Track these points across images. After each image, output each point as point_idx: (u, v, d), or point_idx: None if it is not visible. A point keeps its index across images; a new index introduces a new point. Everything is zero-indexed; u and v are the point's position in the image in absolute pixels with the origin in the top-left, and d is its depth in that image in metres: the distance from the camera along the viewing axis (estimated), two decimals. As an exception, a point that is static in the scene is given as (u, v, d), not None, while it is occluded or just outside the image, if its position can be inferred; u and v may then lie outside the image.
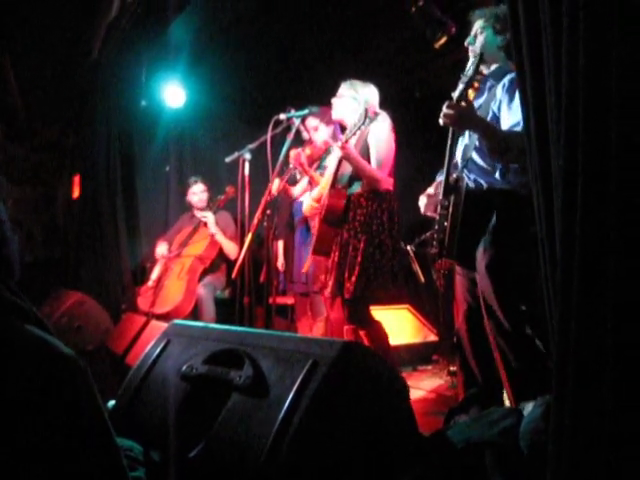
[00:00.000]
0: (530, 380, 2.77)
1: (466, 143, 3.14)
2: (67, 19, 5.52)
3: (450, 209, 2.96)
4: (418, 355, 5.84)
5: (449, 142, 3.07)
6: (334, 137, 4.93)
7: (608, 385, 1.46)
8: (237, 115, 7.44)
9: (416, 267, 5.93)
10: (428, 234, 3.20)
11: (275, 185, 4.78)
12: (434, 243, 3.07)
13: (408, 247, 5.65)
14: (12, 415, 1.23)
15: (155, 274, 5.86)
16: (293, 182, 5.27)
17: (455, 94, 2.98)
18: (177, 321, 2.77)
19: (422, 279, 5.90)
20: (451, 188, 3.00)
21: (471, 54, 3.18)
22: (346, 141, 4.00)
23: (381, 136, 4.05)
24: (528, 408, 2.16)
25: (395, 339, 5.54)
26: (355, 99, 4.15)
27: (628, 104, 1.50)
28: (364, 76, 4.25)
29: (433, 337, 6.02)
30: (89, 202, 6.41)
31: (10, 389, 1.24)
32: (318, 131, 4.94)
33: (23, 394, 1.24)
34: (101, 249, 6.37)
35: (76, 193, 6.50)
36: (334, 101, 4.24)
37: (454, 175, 3.04)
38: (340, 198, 4.05)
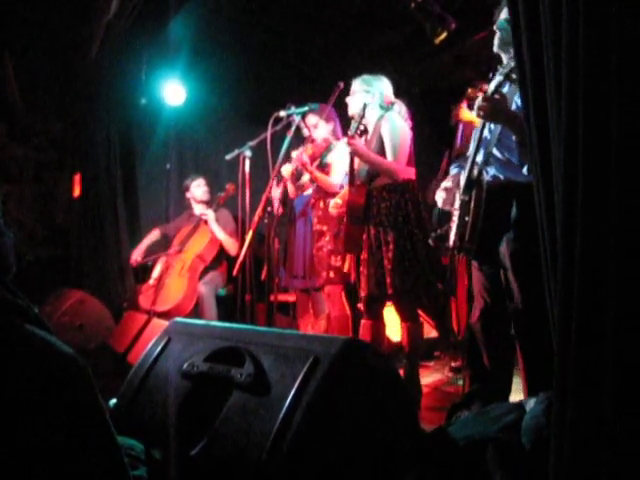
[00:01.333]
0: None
1: (487, 137, 3.11)
2: (66, 18, 5.52)
3: (471, 204, 2.95)
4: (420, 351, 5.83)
5: (477, 136, 3.07)
6: (334, 134, 4.93)
7: (609, 381, 1.45)
8: (237, 112, 7.43)
9: None
10: (445, 228, 3.18)
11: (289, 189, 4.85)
12: (452, 237, 3.06)
13: None
14: (12, 415, 1.22)
15: (156, 272, 5.86)
16: (297, 179, 5.27)
17: (491, 87, 2.96)
18: (178, 319, 2.76)
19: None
20: (472, 183, 2.99)
21: (497, 39, 3.13)
22: (352, 136, 3.99)
23: (394, 126, 4.04)
24: (530, 404, 2.16)
25: (397, 335, 5.54)
26: (369, 92, 4.14)
27: (628, 99, 1.49)
28: (363, 72, 4.23)
29: (434, 333, 6.01)
30: (90, 201, 6.40)
31: (10, 389, 1.23)
32: (318, 128, 4.94)
33: (23, 394, 1.24)
34: (102, 247, 6.37)
35: (77, 192, 6.49)
36: (348, 100, 4.24)
37: (476, 169, 3.03)
38: (359, 194, 4.04)
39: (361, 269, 4.03)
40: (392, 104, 4.12)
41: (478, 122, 4.31)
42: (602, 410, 1.46)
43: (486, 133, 3.10)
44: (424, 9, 4.92)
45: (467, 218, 2.95)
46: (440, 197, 3.32)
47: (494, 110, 2.89)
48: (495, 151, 3.05)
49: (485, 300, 3.23)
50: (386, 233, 3.90)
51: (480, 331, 3.24)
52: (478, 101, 2.93)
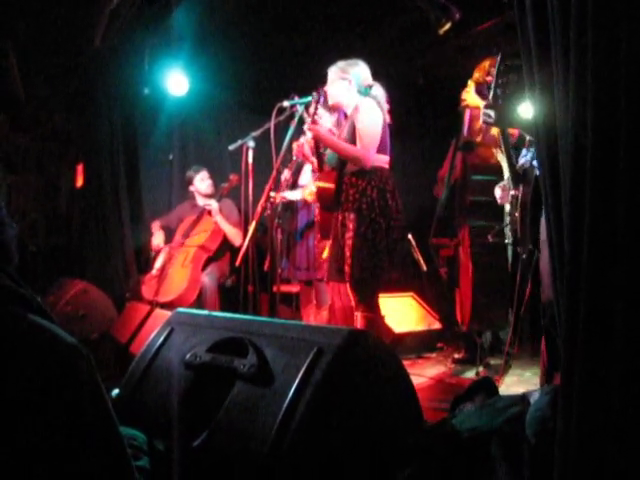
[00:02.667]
0: None
1: None
2: (69, 8, 5.50)
3: (519, 200, 2.95)
4: (422, 342, 5.84)
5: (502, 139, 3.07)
6: (338, 124, 4.92)
7: (616, 375, 1.45)
8: (240, 103, 7.42)
9: (418, 255, 5.92)
10: (505, 224, 3.20)
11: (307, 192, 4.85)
12: (507, 233, 3.07)
13: (409, 236, 5.64)
14: (16, 404, 1.22)
15: (159, 263, 5.86)
16: (299, 170, 5.28)
17: (491, 93, 2.95)
18: (181, 309, 2.76)
19: (424, 267, 5.89)
20: (520, 179, 2.99)
21: None
22: (313, 121, 3.98)
23: (364, 113, 3.98)
24: (535, 396, 2.15)
25: (400, 326, 5.55)
26: (344, 79, 4.09)
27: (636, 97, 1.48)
28: (368, 62, 4.21)
29: (437, 325, 6.02)
30: (93, 191, 6.41)
31: (13, 378, 1.23)
32: (322, 119, 4.92)
33: (26, 383, 1.23)
34: (105, 238, 6.38)
35: (80, 182, 6.49)
36: (326, 89, 4.21)
37: (524, 166, 3.02)
38: (328, 180, 4.03)
39: (326, 255, 4.04)
40: (370, 87, 4.07)
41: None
42: (609, 403, 1.45)
43: None
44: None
45: (517, 214, 2.96)
46: (498, 194, 3.33)
47: (501, 116, 2.87)
48: None
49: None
50: (349, 220, 3.87)
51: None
52: (482, 109, 2.92)
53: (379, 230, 3.81)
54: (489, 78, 4.78)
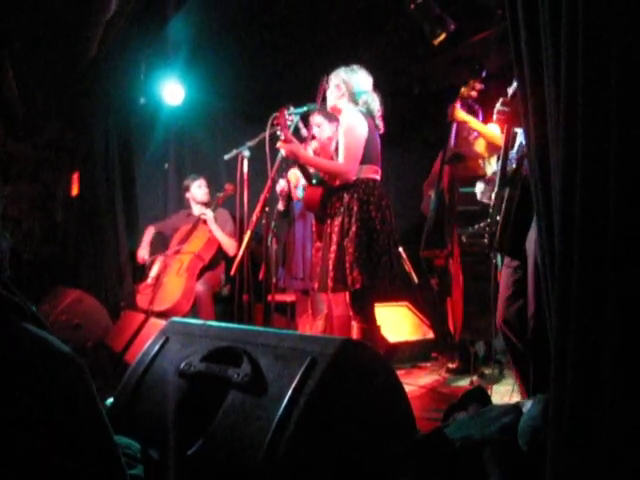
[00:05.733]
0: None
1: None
2: (65, 16, 5.52)
3: (504, 203, 2.94)
4: (417, 352, 5.85)
5: (504, 138, 3.06)
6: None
7: (608, 384, 1.46)
8: (236, 112, 7.44)
9: (409, 268, 5.93)
10: (482, 224, 3.18)
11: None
12: (486, 235, 3.05)
13: (400, 248, 5.64)
14: (9, 413, 1.23)
15: (154, 272, 5.86)
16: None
17: (510, 90, 2.95)
18: (175, 319, 2.77)
19: (415, 280, 5.90)
20: (507, 181, 2.98)
21: None
22: (285, 140, 4.00)
23: (344, 124, 3.96)
24: (527, 406, 2.16)
25: (394, 336, 5.56)
26: (337, 86, 4.08)
27: (628, 98, 1.50)
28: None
29: (432, 334, 6.03)
30: (88, 200, 6.42)
31: (7, 387, 1.23)
32: (322, 128, 4.93)
33: (20, 392, 1.24)
34: (100, 246, 6.38)
35: (75, 190, 6.50)
36: (327, 94, 4.21)
37: (510, 168, 3.02)
38: (314, 194, 4.03)
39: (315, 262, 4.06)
40: (357, 96, 4.04)
41: (473, 122, 4.32)
42: (600, 413, 1.46)
43: (522, 133, 3.08)
44: (423, 11, 4.93)
45: (499, 217, 2.95)
46: (479, 189, 3.31)
47: (514, 114, 2.89)
48: None
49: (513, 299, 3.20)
50: (333, 232, 3.88)
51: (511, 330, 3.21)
52: (497, 106, 2.93)
53: (359, 244, 3.77)
54: (474, 93, 4.86)
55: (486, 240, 3.06)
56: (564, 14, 1.64)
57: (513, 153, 3.08)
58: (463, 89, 4.92)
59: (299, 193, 5.35)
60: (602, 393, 1.47)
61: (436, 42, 5.08)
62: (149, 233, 6.15)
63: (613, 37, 1.53)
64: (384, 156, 4.16)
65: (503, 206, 2.94)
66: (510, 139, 3.07)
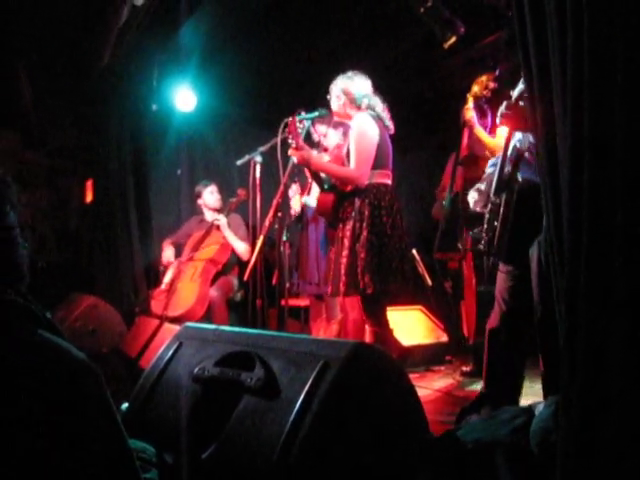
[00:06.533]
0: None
1: (519, 139, 3.08)
2: (78, 26, 5.56)
3: (502, 208, 2.93)
4: (431, 356, 5.84)
5: (505, 141, 3.05)
6: (346, 136, 4.93)
7: (616, 386, 1.46)
8: (248, 118, 7.46)
9: (422, 270, 5.92)
10: (477, 230, 3.16)
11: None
12: (482, 241, 3.04)
13: (414, 251, 5.63)
14: (25, 419, 1.24)
15: (168, 277, 5.87)
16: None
17: (514, 93, 2.94)
18: (189, 324, 2.79)
19: (429, 282, 5.89)
20: (503, 186, 2.97)
21: None
22: (296, 147, 4.01)
23: (355, 130, 3.96)
24: (539, 408, 2.16)
25: (408, 340, 5.55)
26: (339, 95, 4.10)
27: (634, 94, 1.51)
28: (375, 77, 4.22)
29: (445, 338, 6.02)
30: (102, 206, 6.46)
31: (23, 394, 1.25)
32: (328, 137, 4.94)
33: (35, 398, 1.26)
34: (114, 253, 6.42)
35: (89, 198, 6.55)
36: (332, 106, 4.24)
37: (506, 173, 3.01)
38: (326, 199, 4.04)
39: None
40: (359, 102, 4.05)
41: (478, 130, 4.30)
42: (609, 414, 1.47)
43: (519, 136, 3.07)
44: (433, 14, 4.93)
45: (496, 223, 2.94)
46: (472, 198, 3.30)
47: (517, 118, 2.88)
48: (528, 155, 3.00)
49: (507, 304, 3.21)
50: (345, 237, 3.89)
51: (499, 334, 3.22)
52: (501, 109, 2.92)
53: (369, 249, 3.78)
54: (486, 92, 4.82)
55: (482, 246, 3.05)
56: (569, 12, 1.65)
57: (508, 156, 3.07)
58: (476, 88, 4.88)
59: (295, 204, 5.39)
60: (612, 394, 1.47)
61: (446, 45, 5.08)
62: (168, 247, 6.16)
63: (619, 33, 1.54)
64: (396, 160, 4.16)
65: (501, 211, 2.93)
66: (509, 144, 3.06)
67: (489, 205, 3.03)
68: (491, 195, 3.03)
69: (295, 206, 5.44)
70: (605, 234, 1.54)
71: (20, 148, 6.10)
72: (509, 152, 3.06)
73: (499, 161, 3.06)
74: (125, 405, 2.41)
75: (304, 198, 5.34)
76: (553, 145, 1.80)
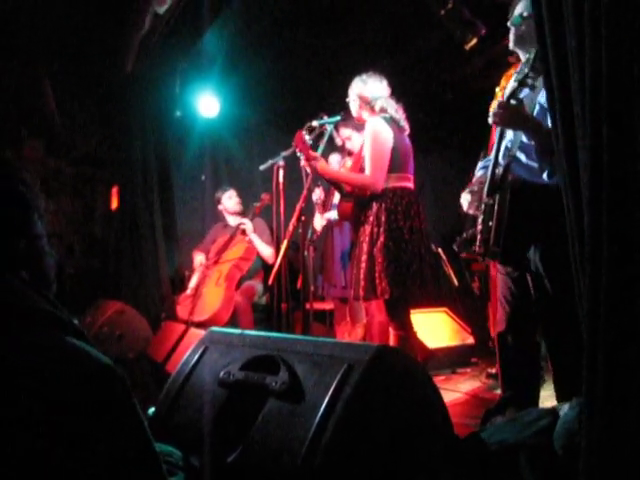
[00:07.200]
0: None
1: (511, 140, 3.08)
2: (102, 34, 5.62)
3: (495, 208, 2.92)
4: (457, 358, 5.81)
5: (496, 140, 3.04)
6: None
7: (637, 387, 1.46)
8: (270, 123, 7.50)
9: (449, 270, 5.90)
10: (470, 232, 3.14)
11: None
12: (477, 243, 3.03)
13: (439, 250, 5.61)
14: (53, 425, 1.26)
15: (193, 282, 5.91)
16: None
17: (506, 93, 2.93)
18: (214, 328, 2.80)
19: (455, 282, 5.86)
20: (496, 187, 2.96)
21: (512, 35, 3.12)
22: (307, 158, 3.99)
23: (368, 135, 3.91)
24: (564, 409, 2.16)
25: (433, 342, 5.54)
26: (353, 101, 4.11)
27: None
28: (396, 79, 4.22)
29: (471, 340, 5.99)
30: (127, 213, 6.51)
31: (51, 400, 1.27)
32: (352, 140, 4.95)
33: (63, 404, 1.27)
34: (140, 259, 6.46)
35: (114, 204, 6.60)
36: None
37: (499, 173, 3.00)
38: (346, 206, 4.05)
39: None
40: (378, 100, 4.02)
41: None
42: (632, 415, 1.46)
43: (510, 136, 3.07)
44: (453, 16, 4.93)
45: (491, 223, 2.92)
46: (465, 200, 3.28)
47: (510, 117, 2.88)
48: (520, 155, 3.00)
49: (509, 303, 3.20)
50: (364, 242, 3.87)
51: (510, 339, 3.22)
52: (493, 107, 2.91)
53: (387, 255, 3.76)
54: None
55: (476, 248, 3.03)
56: (587, 13, 1.65)
57: (500, 157, 3.06)
58: (504, 82, 4.85)
59: (317, 224, 5.42)
60: (636, 394, 1.47)
61: (467, 47, 5.07)
62: (198, 254, 6.19)
63: (637, 32, 1.54)
64: (421, 161, 4.13)
65: (495, 212, 2.91)
66: (501, 144, 3.05)
67: (482, 206, 3.02)
68: (484, 196, 3.01)
69: (317, 226, 5.46)
70: (626, 233, 1.54)
71: (45, 156, 6.17)
72: (501, 152, 3.05)
73: (490, 163, 3.05)
74: (152, 410, 2.43)
75: (326, 214, 5.36)
76: (573, 145, 1.80)
